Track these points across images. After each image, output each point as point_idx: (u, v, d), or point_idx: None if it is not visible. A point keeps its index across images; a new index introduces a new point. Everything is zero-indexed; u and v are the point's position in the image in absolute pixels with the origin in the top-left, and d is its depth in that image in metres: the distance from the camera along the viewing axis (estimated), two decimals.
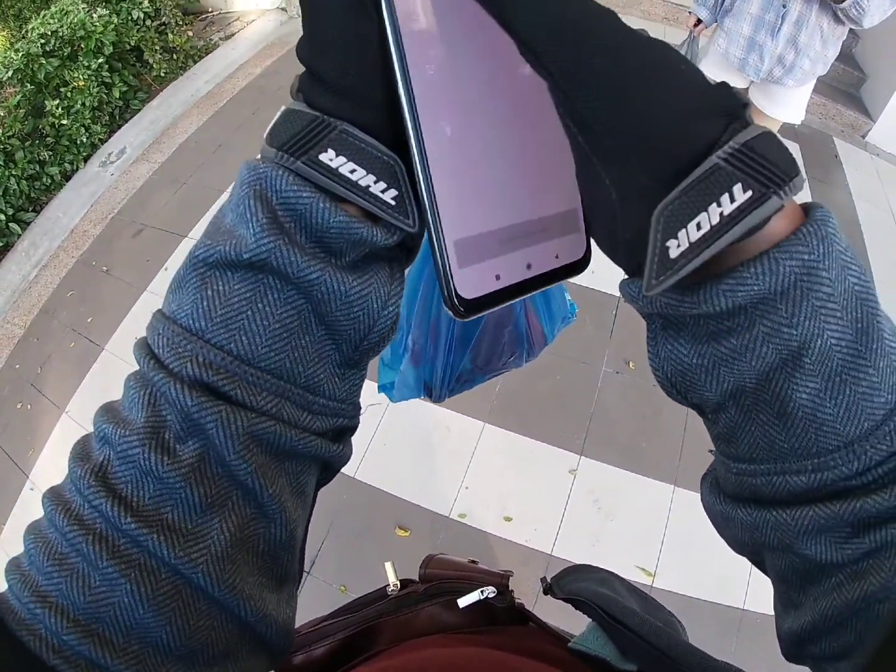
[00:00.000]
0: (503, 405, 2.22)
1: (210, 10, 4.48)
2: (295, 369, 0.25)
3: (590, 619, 0.48)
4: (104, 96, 3.46)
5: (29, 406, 2.50)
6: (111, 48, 3.45)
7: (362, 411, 0.31)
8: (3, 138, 3.08)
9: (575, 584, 0.53)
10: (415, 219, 0.25)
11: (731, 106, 0.21)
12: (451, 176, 0.25)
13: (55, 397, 2.49)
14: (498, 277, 0.26)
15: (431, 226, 0.25)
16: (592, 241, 0.29)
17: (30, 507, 2.24)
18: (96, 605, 0.22)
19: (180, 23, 4.01)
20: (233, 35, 4.23)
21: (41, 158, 3.24)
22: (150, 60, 3.77)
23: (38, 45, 3.20)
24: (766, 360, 0.22)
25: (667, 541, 1.95)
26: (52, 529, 0.24)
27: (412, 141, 0.24)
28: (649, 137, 0.21)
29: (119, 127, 3.59)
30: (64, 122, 3.27)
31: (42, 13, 3.44)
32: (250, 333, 0.24)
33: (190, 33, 4.11)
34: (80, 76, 3.31)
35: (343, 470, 0.32)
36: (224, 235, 0.24)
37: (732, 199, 0.20)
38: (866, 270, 0.22)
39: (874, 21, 1.77)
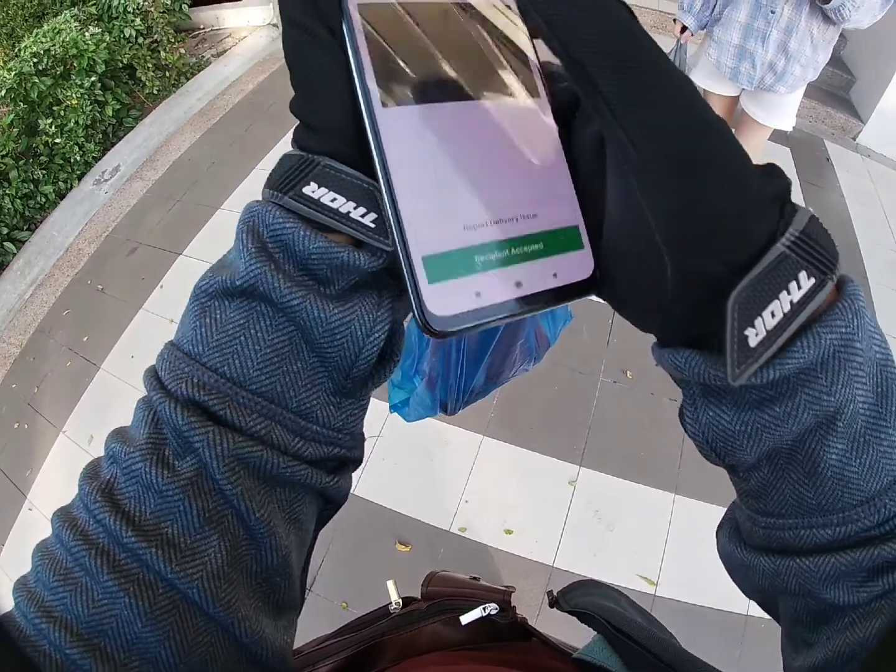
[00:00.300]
0: (501, 417, 2.21)
1: (202, 26, 4.52)
2: (286, 393, 0.26)
3: (595, 632, 0.48)
4: (97, 114, 3.48)
5: (26, 426, 2.49)
6: (104, 66, 3.47)
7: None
8: None
9: (581, 598, 0.53)
10: (394, 239, 0.25)
11: (783, 190, 0.23)
12: (418, 191, 0.25)
13: (52, 417, 2.48)
14: (478, 294, 0.26)
15: (397, 239, 0.25)
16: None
17: (28, 527, 2.22)
18: (99, 618, 0.22)
19: (172, 40, 4.03)
20: (225, 51, 4.26)
21: (35, 177, 3.25)
22: (143, 78, 3.80)
23: (31, 63, 3.22)
24: (804, 424, 0.23)
25: (668, 549, 1.95)
26: (58, 545, 0.24)
27: (375, 161, 0.25)
28: (720, 226, 0.22)
29: (113, 145, 3.60)
30: (57, 140, 3.28)
31: (34, 32, 3.46)
32: (242, 357, 0.25)
33: (182, 50, 4.14)
34: (73, 94, 3.32)
35: None
36: (224, 269, 0.26)
37: (799, 287, 0.21)
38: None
39: (863, 23, 1.75)
